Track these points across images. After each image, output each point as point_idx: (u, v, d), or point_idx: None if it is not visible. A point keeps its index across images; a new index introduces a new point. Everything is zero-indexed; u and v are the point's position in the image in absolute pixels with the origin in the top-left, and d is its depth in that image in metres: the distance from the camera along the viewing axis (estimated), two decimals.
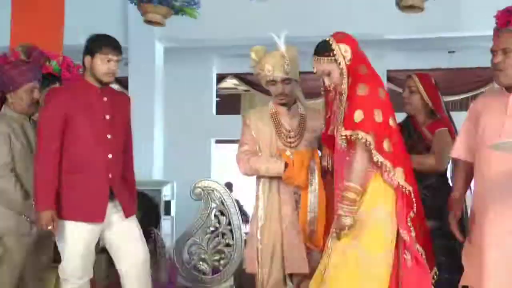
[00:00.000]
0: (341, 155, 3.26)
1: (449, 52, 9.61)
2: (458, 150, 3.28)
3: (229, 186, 10.50)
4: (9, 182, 3.80)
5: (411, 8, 4.71)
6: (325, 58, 3.20)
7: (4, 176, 3.79)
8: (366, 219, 3.11)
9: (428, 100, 3.99)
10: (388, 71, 9.24)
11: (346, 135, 3.11)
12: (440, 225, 3.67)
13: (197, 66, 10.07)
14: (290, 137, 3.58)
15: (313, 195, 3.46)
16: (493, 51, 3.06)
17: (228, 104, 12.05)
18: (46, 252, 4.08)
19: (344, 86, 3.21)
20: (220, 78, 11.03)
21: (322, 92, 3.44)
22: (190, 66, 9.89)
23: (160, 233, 7.08)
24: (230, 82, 11.94)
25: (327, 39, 3.25)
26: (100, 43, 3.73)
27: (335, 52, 3.19)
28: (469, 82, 9.10)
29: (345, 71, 3.20)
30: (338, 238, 3.06)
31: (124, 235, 3.85)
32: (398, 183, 3.12)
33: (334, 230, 3.11)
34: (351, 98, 3.15)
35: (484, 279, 2.91)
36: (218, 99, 11.10)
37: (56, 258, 4.08)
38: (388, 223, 3.12)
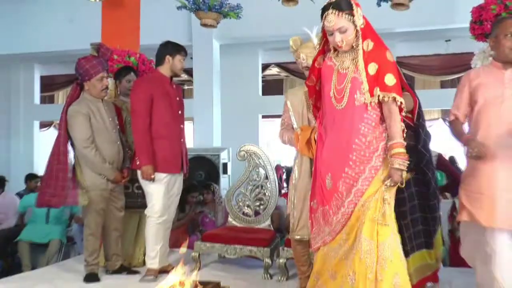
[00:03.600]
0: (361, 111, 2.74)
1: (446, 40, 9.36)
2: (458, 113, 3.10)
3: None
4: (91, 151, 3.93)
5: (399, 5, 4.59)
6: (346, 14, 2.68)
7: (88, 146, 3.93)
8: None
9: None
10: (398, 57, 9.07)
11: (380, 96, 2.67)
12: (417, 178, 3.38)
13: (246, 57, 10.06)
14: None
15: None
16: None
17: (272, 87, 12.02)
18: (120, 198, 4.21)
19: (360, 48, 2.72)
20: (265, 67, 10.98)
21: (317, 46, 2.97)
22: (240, 57, 9.88)
23: (219, 187, 7.26)
24: (274, 70, 11.91)
25: None
26: (179, 48, 4.07)
27: (354, 12, 2.68)
28: (461, 65, 8.86)
29: (360, 33, 2.71)
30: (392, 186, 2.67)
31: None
32: None
33: (387, 185, 2.67)
34: (382, 62, 2.69)
35: (494, 211, 2.85)
36: (263, 83, 11.09)
37: (129, 205, 4.32)
38: None
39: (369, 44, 2.72)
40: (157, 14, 7.68)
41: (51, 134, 12.80)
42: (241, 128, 9.62)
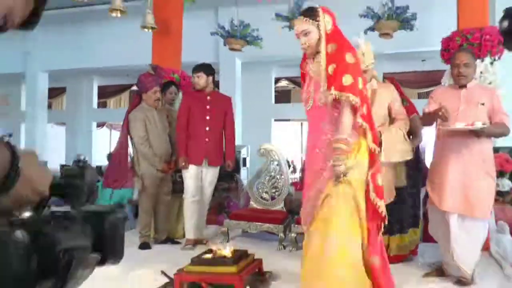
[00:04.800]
0: (324, 111, 2.43)
1: (422, 60, 9.36)
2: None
3: None
4: (145, 147, 4.09)
5: (385, 35, 4.80)
6: (309, 19, 2.44)
7: (143, 143, 4.09)
8: (355, 168, 2.37)
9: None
10: (384, 73, 9.08)
11: (335, 95, 2.32)
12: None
13: (262, 73, 10.07)
14: None
15: None
16: (458, 64, 3.05)
17: (283, 96, 12.04)
18: (167, 185, 4.34)
19: (323, 50, 2.42)
20: (277, 80, 11.05)
21: (302, 50, 2.57)
22: (257, 73, 9.90)
23: (240, 177, 7.37)
24: (283, 83, 11.96)
25: (316, 6, 2.50)
26: (213, 70, 4.17)
27: (318, 18, 2.43)
28: (434, 80, 8.87)
29: (324, 37, 2.42)
30: (338, 182, 2.32)
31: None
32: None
33: (333, 180, 2.34)
34: (340, 63, 2.35)
35: (444, 198, 3.00)
36: (276, 93, 11.15)
37: (174, 190, 4.42)
38: (363, 172, 2.40)
39: (332, 47, 2.42)
40: (191, 38, 7.76)
41: (104, 132, 13.09)
42: (258, 129, 9.62)
